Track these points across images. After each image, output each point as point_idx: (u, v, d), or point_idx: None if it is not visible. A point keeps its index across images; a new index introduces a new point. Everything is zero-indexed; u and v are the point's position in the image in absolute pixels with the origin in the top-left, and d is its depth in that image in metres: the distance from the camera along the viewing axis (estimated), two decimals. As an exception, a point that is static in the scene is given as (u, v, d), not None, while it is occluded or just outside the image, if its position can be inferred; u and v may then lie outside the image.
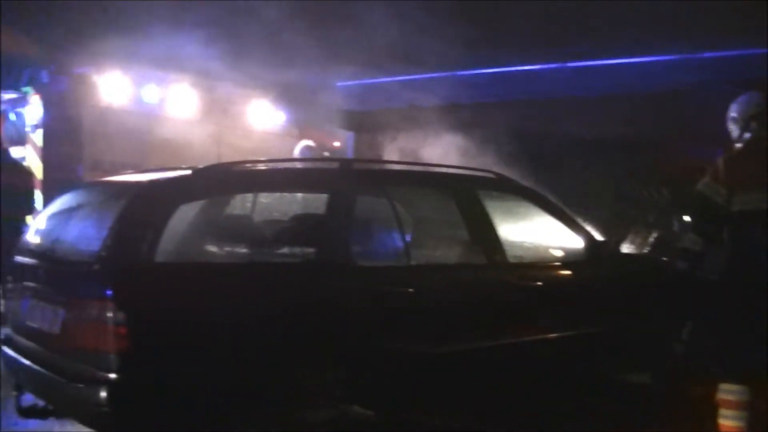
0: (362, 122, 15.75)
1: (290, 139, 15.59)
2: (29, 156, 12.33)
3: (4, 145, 11.44)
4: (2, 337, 6.86)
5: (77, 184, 7.16)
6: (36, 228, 6.86)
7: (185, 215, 5.87)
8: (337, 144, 16.97)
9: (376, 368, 6.00)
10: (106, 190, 6.67)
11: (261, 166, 6.93)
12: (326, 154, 14.70)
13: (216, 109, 14.95)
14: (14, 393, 6.34)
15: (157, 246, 5.46)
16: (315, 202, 6.71)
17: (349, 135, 17.14)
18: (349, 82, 16.62)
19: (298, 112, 16.01)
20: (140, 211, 5.63)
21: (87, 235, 6.02)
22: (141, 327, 5.24)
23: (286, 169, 7.11)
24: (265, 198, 6.97)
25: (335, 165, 6.84)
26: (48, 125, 12.68)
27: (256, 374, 5.51)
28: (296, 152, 11.87)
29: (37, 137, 12.64)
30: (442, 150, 12.40)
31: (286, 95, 15.73)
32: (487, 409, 6.81)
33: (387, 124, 14.60)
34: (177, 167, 6.53)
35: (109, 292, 5.24)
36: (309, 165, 8.22)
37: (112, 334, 5.20)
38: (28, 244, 6.77)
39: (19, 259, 6.77)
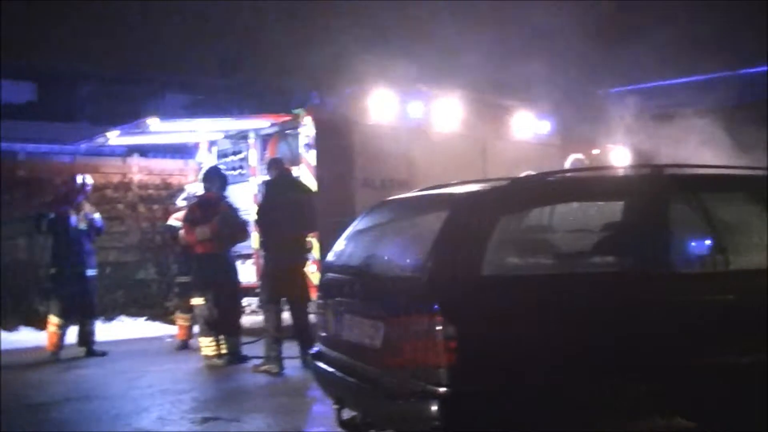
0: (638, 128, 15.32)
1: (553, 149, 15.46)
2: (303, 175, 12.63)
3: (286, 165, 11.80)
4: (313, 351, 7.01)
5: (381, 201, 7.18)
6: (342, 245, 6.95)
7: (504, 226, 5.77)
8: (595, 152, 16.65)
9: (699, 378, 5.72)
10: (416, 205, 6.68)
11: (575, 176, 6.79)
12: (586, 163, 14.45)
13: (480, 121, 14.96)
14: (335, 407, 6.39)
15: (482, 258, 5.40)
16: (615, 209, 6.49)
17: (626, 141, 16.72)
18: (625, 87, 16.28)
19: (563, 121, 15.81)
20: (463, 223, 5.58)
21: (406, 249, 6.05)
22: (470, 340, 5.17)
23: (601, 178, 6.93)
24: (563, 207, 6.80)
25: (646, 171, 6.61)
26: (320, 145, 12.97)
27: (581, 387, 5.34)
28: (567, 165, 11.66)
29: (311, 157, 12.97)
30: (720, 151, 11.95)
31: (551, 104, 15.56)
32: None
33: (664, 128, 14.18)
34: (488, 179, 6.49)
35: (437, 307, 5.20)
36: (621, 173, 7.99)
37: (441, 348, 5.16)
38: (336, 261, 6.86)
39: (329, 275, 6.89)
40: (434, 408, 5.16)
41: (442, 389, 5.16)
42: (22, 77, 28.43)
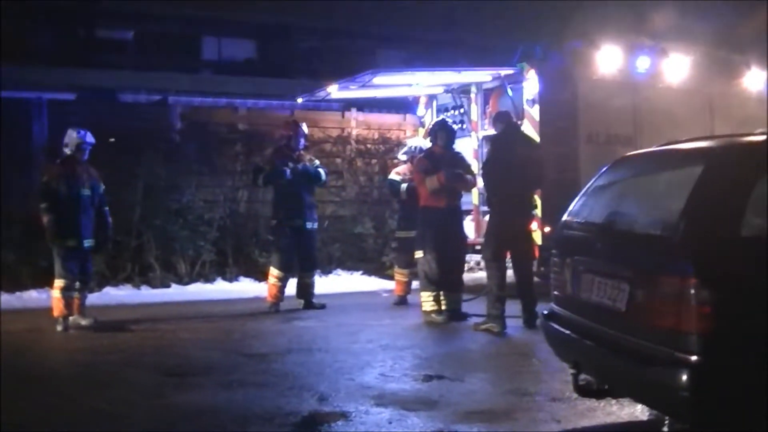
0: None
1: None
2: (527, 131, 12.31)
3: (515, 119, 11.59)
4: (546, 312, 6.74)
5: (622, 156, 6.82)
6: (581, 202, 6.62)
7: (762, 184, 5.28)
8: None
9: None
10: (662, 160, 6.26)
11: None
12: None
13: (708, 76, 14.35)
14: (571, 371, 6.11)
15: (740, 218, 4.97)
16: None
17: None
18: None
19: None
20: (721, 179, 5.16)
21: (654, 207, 5.69)
22: (726, 306, 4.77)
23: None
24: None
25: None
26: (544, 100, 12.67)
27: None
28: None
29: (534, 112, 12.69)
30: None
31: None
32: None
33: None
34: (735, 134, 6.02)
35: (691, 268, 4.83)
36: None
37: (694, 314, 4.78)
38: (575, 218, 6.55)
39: (567, 233, 6.59)
40: (683, 378, 4.78)
41: (693, 358, 4.78)
42: (242, 35, 29.14)
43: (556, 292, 6.61)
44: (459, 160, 11.60)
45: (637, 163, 6.57)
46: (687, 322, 4.83)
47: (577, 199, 6.70)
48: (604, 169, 6.68)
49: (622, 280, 5.46)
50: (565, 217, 6.71)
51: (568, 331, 6.14)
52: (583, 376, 6.15)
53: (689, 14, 14.71)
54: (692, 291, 4.79)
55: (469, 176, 11.47)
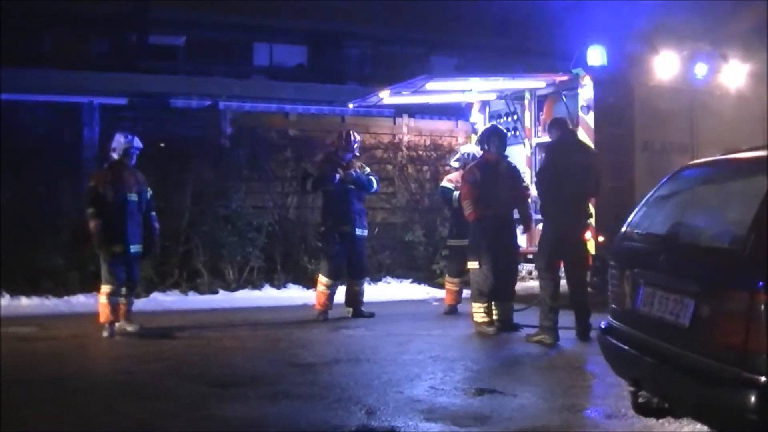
0: None
1: None
2: (581, 137, 12.05)
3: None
4: (603, 326, 6.49)
5: (685, 165, 6.56)
6: (644, 211, 6.37)
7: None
8: None
9: None
10: (728, 169, 5.98)
11: None
12: None
13: (764, 83, 13.99)
14: (631, 389, 5.85)
15: (815, 231, 4.70)
16: None
17: None
18: None
19: None
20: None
21: (720, 218, 5.43)
22: (800, 324, 4.51)
23: None
24: None
25: None
26: (600, 106, 12.43)
27: None
28: None
29: (589, 119, 12.44)
30: None
31: None
32: None
33: None
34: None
35: (761, 283, 4.59)
36: None
37: (764, 331, 4.55)
38: (636, 229, 6.30)
39: (627, 244, 6.34)
40: (751, 399, 4.57)
41: (762, 378, 4.56)
42: (293, 41, 29.11)
43: (614, 306, 6.36)
44: (512, 170, 11.33)
45: (701, 172, 6.31)
46: (756, 340, 4.61)
47: (637, 209, 6.46)
48: (666, 178, 6.44)
49: (685, 295, 5.22)
50: (624, 228, 6.47)
51: (627, 347, 5.91)
52: (642, 394, 5.90)
53: (746, 20, 14.38)
54: (762, 307, 4.57)
55: (523, 186, 11.23)
